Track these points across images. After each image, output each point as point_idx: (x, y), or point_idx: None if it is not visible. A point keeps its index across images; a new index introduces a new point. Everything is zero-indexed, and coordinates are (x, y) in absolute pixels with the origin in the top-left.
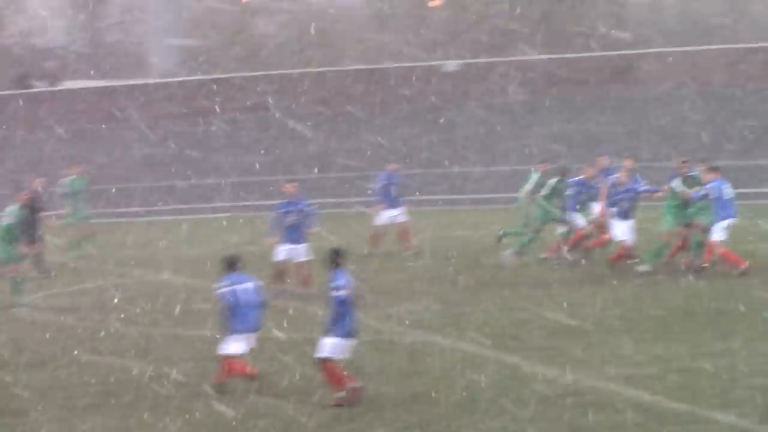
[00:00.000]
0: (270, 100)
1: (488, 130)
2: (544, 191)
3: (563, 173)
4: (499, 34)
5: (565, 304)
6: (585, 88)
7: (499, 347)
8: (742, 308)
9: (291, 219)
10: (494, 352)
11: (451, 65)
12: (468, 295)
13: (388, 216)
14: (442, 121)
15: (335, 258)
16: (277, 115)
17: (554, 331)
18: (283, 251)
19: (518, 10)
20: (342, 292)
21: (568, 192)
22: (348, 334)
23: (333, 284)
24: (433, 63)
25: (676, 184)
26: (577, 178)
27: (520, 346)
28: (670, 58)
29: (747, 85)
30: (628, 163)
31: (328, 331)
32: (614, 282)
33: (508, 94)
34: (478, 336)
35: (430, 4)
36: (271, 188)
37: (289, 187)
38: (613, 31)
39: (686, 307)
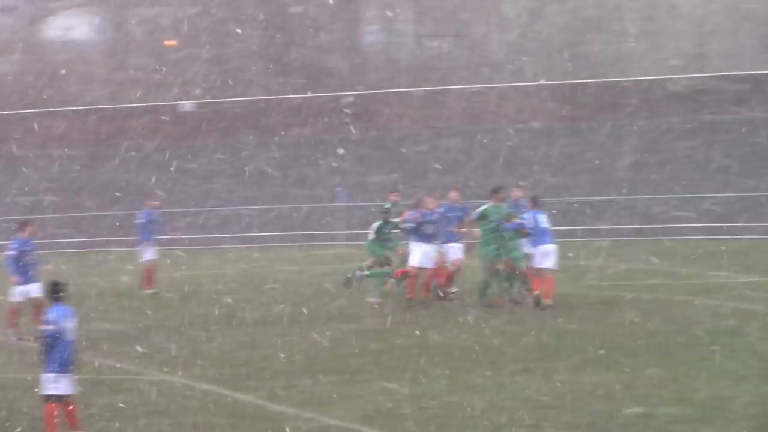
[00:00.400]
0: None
1: (219, 171)
2: (370, 234)
3: (386, 217)
4: (235, 74)
5: (303, 345)
6: (327, 127)
7: (240, 386)
8: (499, 345)
9: (26, 259)
10: (235, 392)
11: (187, 105)
12: (209, 333)
13: (150, 253)
14: (175, 161)
15: (53, 291)
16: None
17: (300, 369)
18: (18, 291)
19: (254, 51)
20: (49, 327)
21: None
22: (62, 368)
23: (44, 318)
24: (169, 103)
25: (484, 209)
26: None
27: (261, 384)
28: (408, 99)
29: (482, 124)
30: (452, 194)
31: (43, 367)
32: (369, 318)
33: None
34: (219, 375)
35: (166, 43)
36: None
37: (30, 228)
38: (350, 72)
39: (445, 342)
